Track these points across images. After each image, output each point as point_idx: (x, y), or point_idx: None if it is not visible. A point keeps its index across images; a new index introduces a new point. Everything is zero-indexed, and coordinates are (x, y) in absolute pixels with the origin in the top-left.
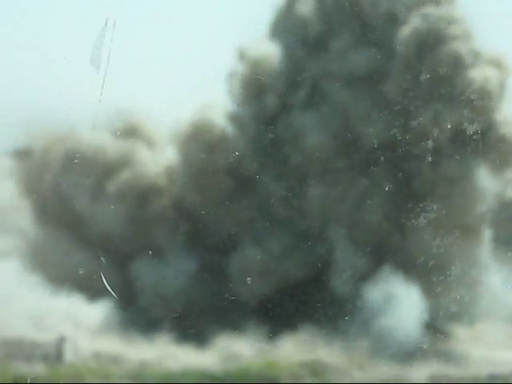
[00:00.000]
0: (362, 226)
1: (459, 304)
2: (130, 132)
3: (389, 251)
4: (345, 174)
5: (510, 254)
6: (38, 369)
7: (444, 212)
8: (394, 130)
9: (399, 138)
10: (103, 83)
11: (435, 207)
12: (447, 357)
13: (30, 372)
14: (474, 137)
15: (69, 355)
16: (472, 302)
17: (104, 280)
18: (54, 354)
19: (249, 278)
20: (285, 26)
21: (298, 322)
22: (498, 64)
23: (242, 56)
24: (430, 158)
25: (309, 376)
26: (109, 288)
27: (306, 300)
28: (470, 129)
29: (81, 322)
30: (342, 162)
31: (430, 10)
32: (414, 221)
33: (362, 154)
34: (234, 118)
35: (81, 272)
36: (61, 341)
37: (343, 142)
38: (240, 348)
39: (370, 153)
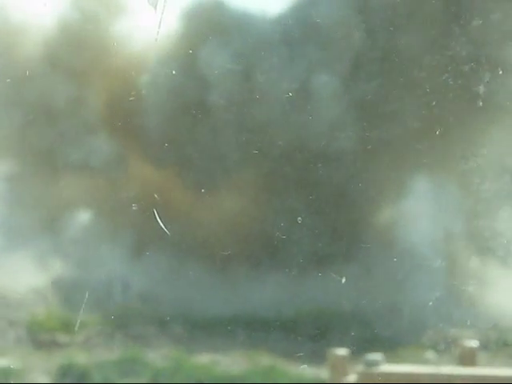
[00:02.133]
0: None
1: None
2: None
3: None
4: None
5: None
6: None
7: (494, 156)
8: (446, 75)
9: (451, 83)
10: None
11: (486, 151)
12: None
13: None
14: None
15: None
16: None
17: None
18: None
19: None
20: None
21: None
22: None
23: None
24: (480, 103)
25: None
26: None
27: None
28: None
29: None
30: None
31: None
32: (464, 164)
33: (414, 98)
34: None
35: None
36: None
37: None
38: None
39: (423, 96)
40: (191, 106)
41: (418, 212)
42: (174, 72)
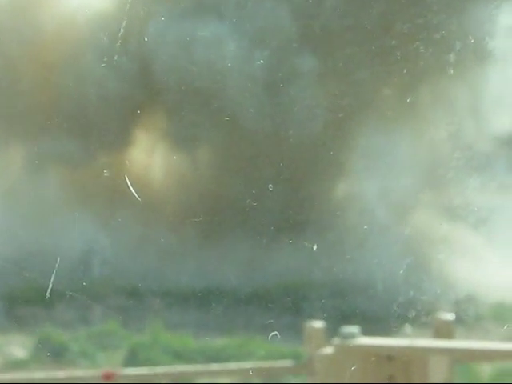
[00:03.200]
0: None
1: None
2: None
3: None
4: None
5: None
6: None
7: (465, 124)
8: (417, 43)
9: (422, 51)
10: None
11: (457, 119)
12: None
13: None
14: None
15: None
16: None
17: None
18: None
19: None
20: None
21: None
22: None
23: None
24: (451, 71)
25: None
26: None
27: None
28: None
29: None
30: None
31: None
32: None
33: (385, 66)
34: None
35: None
36: None
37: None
38: None
39: (394, 64)
40: (163, 72)
41: (389, 180)
42: (146, 39)
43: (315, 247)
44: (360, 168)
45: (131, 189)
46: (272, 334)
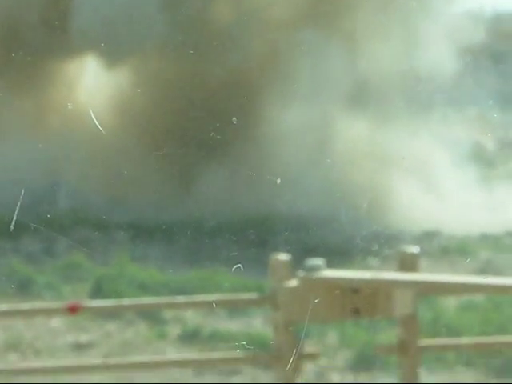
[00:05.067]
0: None
1: None
2: None
3: None
4: None
5: None
6: None
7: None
8: None
9: None
10: None
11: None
12: None
13: None
14: None
15: None
16: None
17: None
18: None
19: None
20: None
21: None
22: None
23: None
24: None
25: None
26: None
27: None
28: None
29: None
30: None
31: None
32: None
33: None
34: None
35: None
36: None
37: None
38: None
39: None
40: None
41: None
42: None
43: (278, 181)
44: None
45: (95, 121)
46: (236, 266)
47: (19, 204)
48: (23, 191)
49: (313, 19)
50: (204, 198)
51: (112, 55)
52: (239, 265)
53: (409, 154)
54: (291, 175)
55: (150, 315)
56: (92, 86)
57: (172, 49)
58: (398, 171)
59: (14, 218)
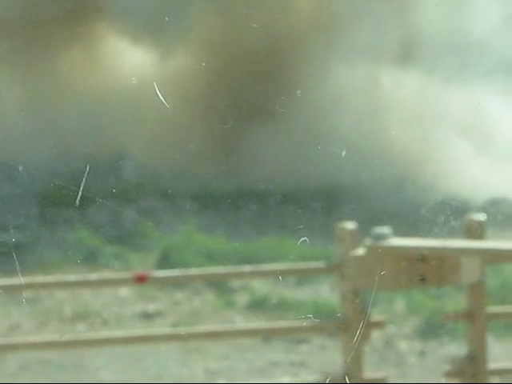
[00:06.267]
0: None
1: None
2: None
3: None
4: None
5: None
6: None
7: None
8: None
9: None
10: None
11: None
12: None
13: None
14: None
15: None
16: None
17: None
18: None
19: None
20: None
21: None
22: None
23: None
24: None
25: None
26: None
27: None
28: None
29: None
30: None
31: None
32: None
33: None
34: None
35: None
36: None
37: None
38: None
39: None
40: None
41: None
42: None
43: (344, 153)
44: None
45: (160, 96)
46: (302, 239)
47: (84, 180)
48: (88, 167)
49: None
50: (269, 170)
51: (175, 31)
52: (305, 238)
53: (472, 121)
54: (354, 145)
55: (218, 284)
56: (156, 61)
57: (235, 22)
58: (459, 138)
59: (80, 193)
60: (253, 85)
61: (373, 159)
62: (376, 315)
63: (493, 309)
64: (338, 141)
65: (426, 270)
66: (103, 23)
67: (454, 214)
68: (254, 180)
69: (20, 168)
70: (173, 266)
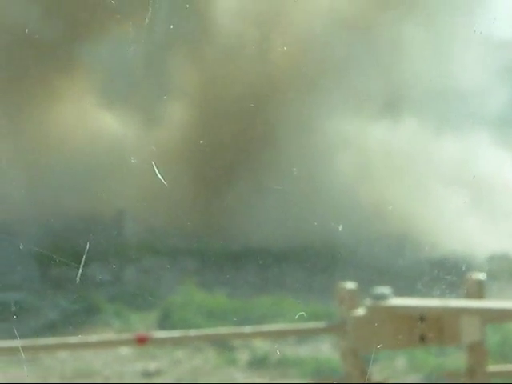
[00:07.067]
0: None
1: None
2: None
3: None
4: None
5: None
6: None
7: None
8: None
9: None
10: None
11: None
12: None
13: None
14: None
15: None
16: None
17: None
18: None
19: None
20: None
21: None
22: None
23: None
24: None
25: None
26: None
27: None
28: None
29: None
30: None
31: None
32: None
33: None
34: None
35: None
36: None
37: None
38: None
39: None
40: None
41: None
42: None
43: (340, 228)
44: None
45: (159, 175)
46: (299, 314)
47: (84, 257)
48: (88, 244)
49: (354, 30)
50: (269, 227)
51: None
52: (302, 313)
53: (472, 178)
54: (349, 203)
55: (219, 342)
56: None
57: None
58: (453, 190)
59: (80, 270)
60: (248, 147)
61: (368, 218)
62: (377, 374)
63: (493, 367)
64: (332, 208)
65: (426, 330)
66: (84, 81)
67: (453, 271)
68: (253, 237)
69: (21, 246)
70: (174, 324)
